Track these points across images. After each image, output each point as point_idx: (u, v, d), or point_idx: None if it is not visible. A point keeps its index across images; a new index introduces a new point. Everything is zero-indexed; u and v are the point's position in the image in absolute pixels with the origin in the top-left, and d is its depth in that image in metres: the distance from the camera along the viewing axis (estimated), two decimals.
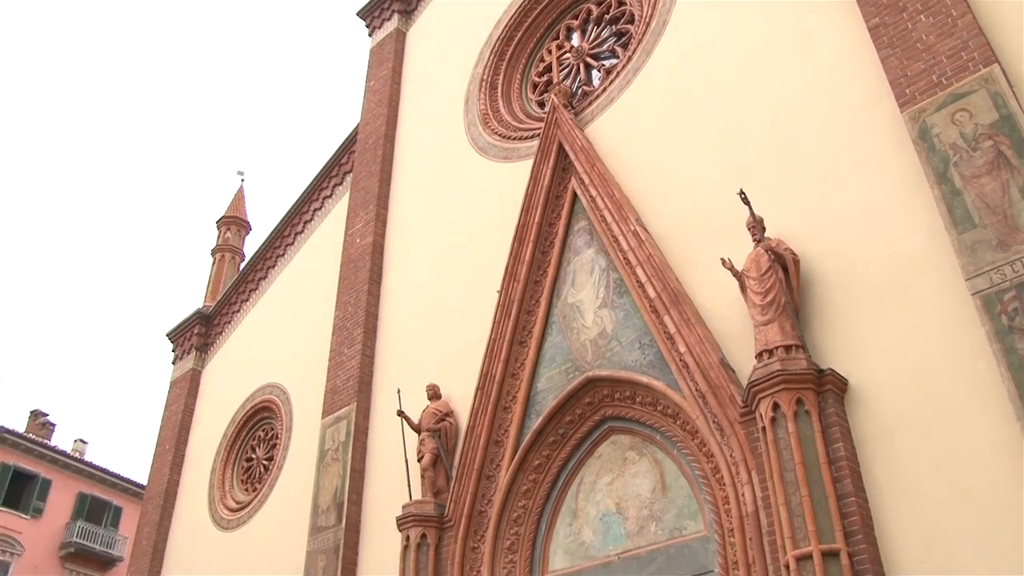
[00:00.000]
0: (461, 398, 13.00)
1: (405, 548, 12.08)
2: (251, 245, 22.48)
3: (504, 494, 11.71)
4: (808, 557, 7.99)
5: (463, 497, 12.03)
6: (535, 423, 11.80)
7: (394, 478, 13.23)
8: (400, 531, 12.28)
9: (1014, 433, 7.68)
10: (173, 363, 21.49)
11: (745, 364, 9.56)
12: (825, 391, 8.83)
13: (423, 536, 12.02)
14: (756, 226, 9.99)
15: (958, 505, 7.90)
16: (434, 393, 13.25)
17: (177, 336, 21.68)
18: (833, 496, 8.24)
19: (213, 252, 22.83)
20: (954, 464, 8.05)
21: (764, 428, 8.80)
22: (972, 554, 7.66)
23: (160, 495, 18.95)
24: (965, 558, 7.68)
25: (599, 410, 11.45)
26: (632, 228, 11.55)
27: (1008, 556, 7.44)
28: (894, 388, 8.70)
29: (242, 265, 21.98)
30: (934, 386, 8.45)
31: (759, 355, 9.20)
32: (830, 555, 7.95)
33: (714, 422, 9.76)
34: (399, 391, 13.27)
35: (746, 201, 9.84)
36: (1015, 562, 7.39)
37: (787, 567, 8.15)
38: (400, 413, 12.92)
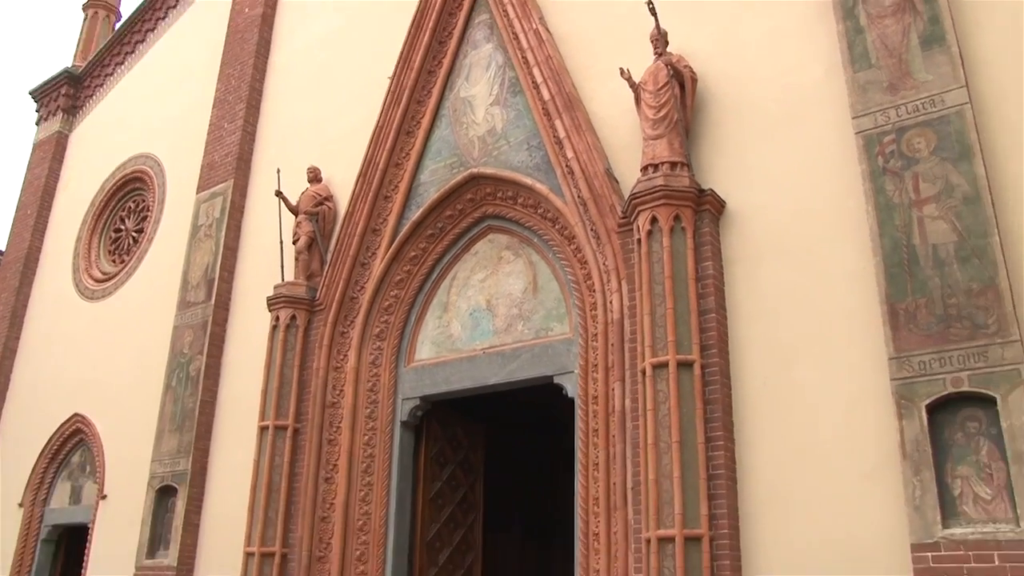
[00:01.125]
0: (342, 183, 12.73)
1: (274, 328, 12.10)
2: (129, 3, 20.83)
3: (377, 282, 11.75)
4: (664, 365, 8.37)
5: (336, 282, 12.00)
6: (415, 215, 11.71)
7: (267, 258, 13.07)
8: (270, 311, 12.24)
9: (868, 269, 8.04)
10: (37, 124, 20.16)
11: (630, 176, 9.59)
12: (703, 210, 8.99)
13: (293, 317, 12.04)
14: (660, 40, 9.78)
15: (808, 327, 8.34)
16: (314, 176, 12.92)
17: (42, 95, 20.19)
18: (696, 311, 8.57)
19: (85, 7, 21.02)
20: (810, 291, 8.44)
21: (640, 240, 8.95)
22: (815, 371, 8.18)
23: (20, 260, 18.24)
24: (808, 374, 8.22)
25: (480, 207, 11.42)
26: (534, 27, 11.15)
27: (848, 371, 7.98)
28: (768, 214, 8.93)
29: (117, 25, 20.38)
30: (806, 217, 8.71)
31: (644, 169, 9.23)
32: (685, 365, 8.34)
33: (592, 230, 9.87)
34: (278, 171, 12.89)
35: (653, 12, 9.56)
36: (853, 379, 7.93)
37: (643, 372, 8.52)
38: (278, 193, 12.60)
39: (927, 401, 7.39)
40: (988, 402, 7.21)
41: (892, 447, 7.49)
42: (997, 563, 6.81)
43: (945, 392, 7.36)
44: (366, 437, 11.42)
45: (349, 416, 11.44)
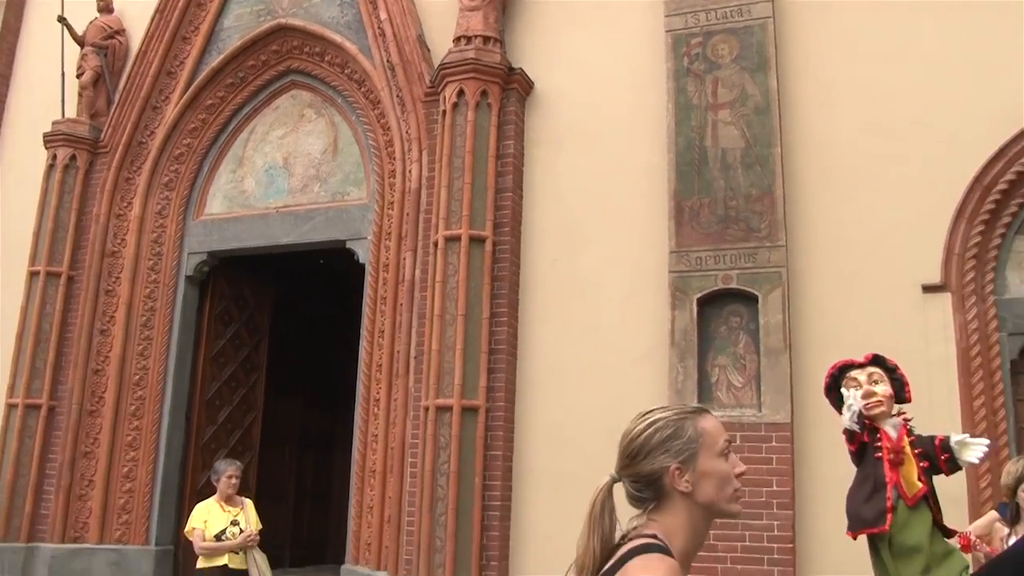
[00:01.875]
0: (136, 18, 11.70)
1: (50, 167, 11.17)
2: None
3: (169, 129, 11.03)
4: (456, 239, 8.42)
5: (123, 124, 11.17)
6: (215, 60, 10.99)
7: (46, 91, 11.91)
8: (47, 149, 11.26)
9: (661, 165, 8.32)
10: None
11: (442, 46, 9.36)
12: (510, 89, 8.95)
13: (72, 158, 11.13)
14: None
15: (600, 215, 8.61)
16: (105, 6, 11.79)
17: None
18: (493, 188, 8.62)
19: None
20: (605, 180, 8.67)
21: (444, 112, 8.84)
22: (602, 257, 8.50)
23: None
24: (594, 260, 8.52)
25: (285, 61, 10.86)
26: None
27: (632, 260, 8.34)
28: (574, 100, 9.02)
29: None
30: (609, 107, 8.86)
31: (457, 40, 9.04)
32: (477, 240, 8.43)
33: (398, 96, 9.64)
34: None
35: None
36: (636, 268, 8.30)
37: (436, 244, 8.55)
38: (61, 19, 11.41)
39: (699, 295, 7.86)
40: (751, 300, 7.77)
41: (663, 335, 7.95)
42: (738, 442, 7.46)
43: (716, 288, 7.86)
44: (147, 290, 10.91)
45: (130, 267, 10.86)
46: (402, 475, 8.68)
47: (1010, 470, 3.96)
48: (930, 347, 7.42)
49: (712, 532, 7.35)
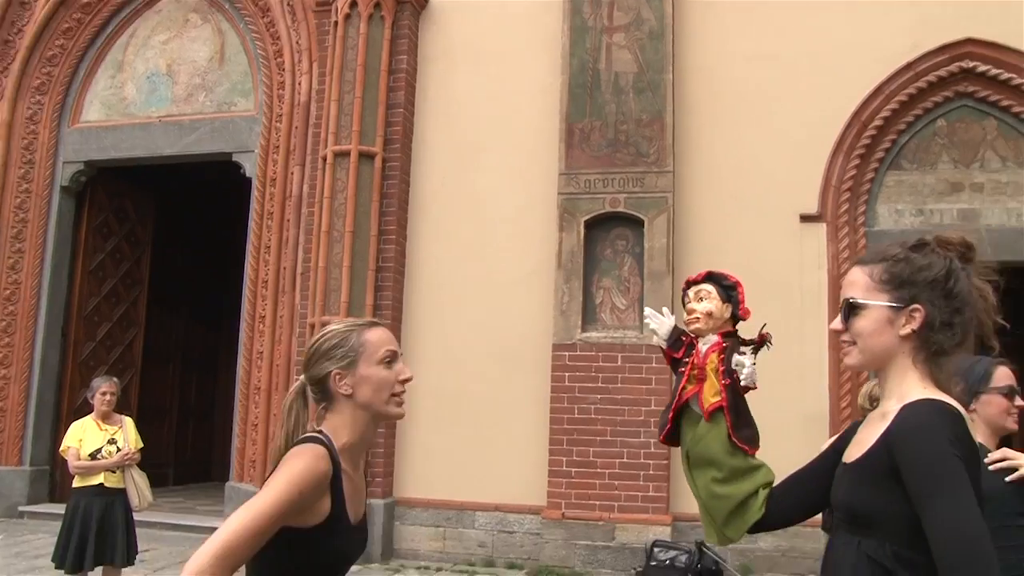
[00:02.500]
0: None
1: None
2: None
3: (40, 27, 10.37)
4: (346, 154, 8.26)
5: None
6: None
7: None
8: None
9: (555, 86, 8.30)
10: None
11: None
12: (404, 2, 8.73)
13: None
14: None
15: (492, 134, 8.57)
16: None
17: None
18: (384, 104, 8.46)
19: None
20: (499, 100, 8.61)
21: (336, 23, 8.57)
22: (492, 177, 8.48)
23: None
24: (485, 179, 8.50)
25: None
26: None
27: (522, 181, 8.36)
28: (469, 17, 8.88)
29: None
30: (506, 26, 8.77)
31: None
32: (366, 156, 8.30)
33: (288, 4, 9.31)
34: None
35: None
36: (525, 188, 8.33)
37: (324, 159, 8.37)
38: None
39: (586, 217, 7.96)
40: (637, 224, 7.91)
41: (551, 256, 8.03)
42: (620, 363, 7.68)
43: (603, 211, 7.96)
44: (18, 200, 10.38)
45: None
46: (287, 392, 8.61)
47: (865, 391, 4.18)
48: (804, 275, 7.73)
49: (591, 450, 7.64)
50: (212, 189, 11.86)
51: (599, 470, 7.64)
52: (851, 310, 1.76)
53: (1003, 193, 7.66)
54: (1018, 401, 2.65)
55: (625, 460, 7.61)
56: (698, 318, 2.05)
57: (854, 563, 1.66)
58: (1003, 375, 2.67)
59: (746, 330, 2.12)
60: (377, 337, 2.06)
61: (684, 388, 2.05)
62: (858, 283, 1.77)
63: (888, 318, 1.73)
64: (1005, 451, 2.53)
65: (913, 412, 1.62)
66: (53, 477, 10.22)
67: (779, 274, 7.69)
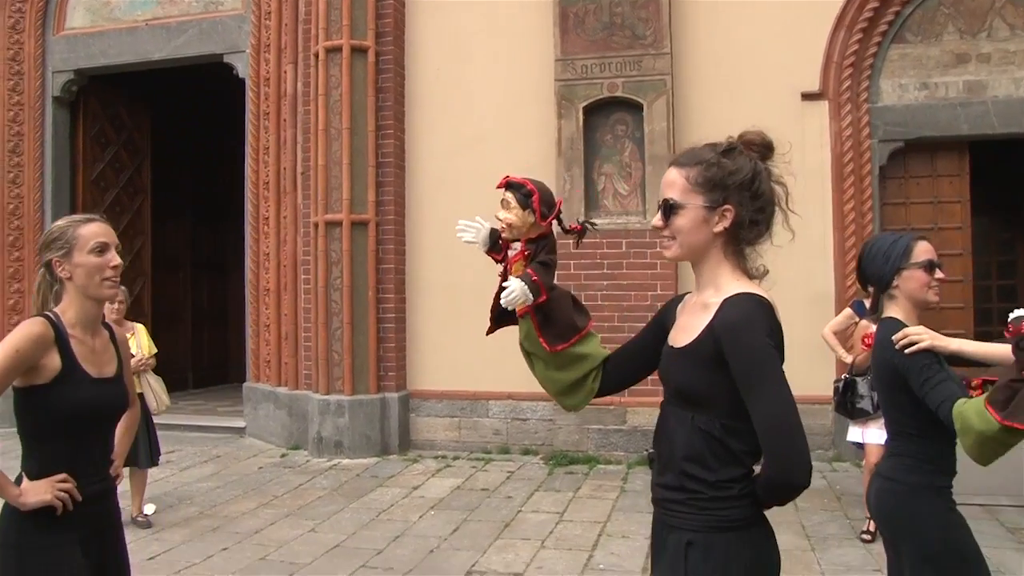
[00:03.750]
0: None
1: None
2: None
3: None
4: (338, 49, 8.13)
5: None
6: None
7: None
8: None
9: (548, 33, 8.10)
10: None
11: None
12: None
13: None
14: None
15: (485, 23, 8.39)
16: None
17: None
18: None
19: None
20: None
21: None
22: (487, 66, 8.36)
23: None
24: (480, 69, 8.37)
25: None
26: None
27: (518, 69, 8.23)
28: None
29: None
30: None
31: None
32: (359, 50, 8.16)
33: None
34: None
35: None
36: (522, 77, 8.20)
37: (316, 56, 8.24)
38: None
39: (585, 103, 7.86)
40: (637, 108, 7.81)
41: (550, 144, 7.97)
42: (624, 249, 7.71)
43: (601, 96, 7.85)
44: (11, 113, 10.28)
45: None
46: (296, 292, 8.72)
47: None
48: (807, 154, 7.65)
49: (600, 335, 7.71)
50: (206, 92, 11.69)
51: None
52: (670, 209, 1.92)
53: (1011, 63, 7.50)
54: (938, 274, 2.70)
55: None
56: (503, 228, 2.14)
57: (688, 434, 1.89)
58: (923, 250, 2.72)
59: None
60: (90, 231, 2.47)
61: (501, 289, 2.18)
62: (676, 184, 1.92)
63: (704, 217, 1.89)
64: (906, 330, 2.59)
65: (734, 306, 1.83)
66: None
67: (781, 154, 7.62)
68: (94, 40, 10.11)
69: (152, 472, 6.49)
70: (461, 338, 8.26)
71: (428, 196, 8.46)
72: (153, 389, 6.16)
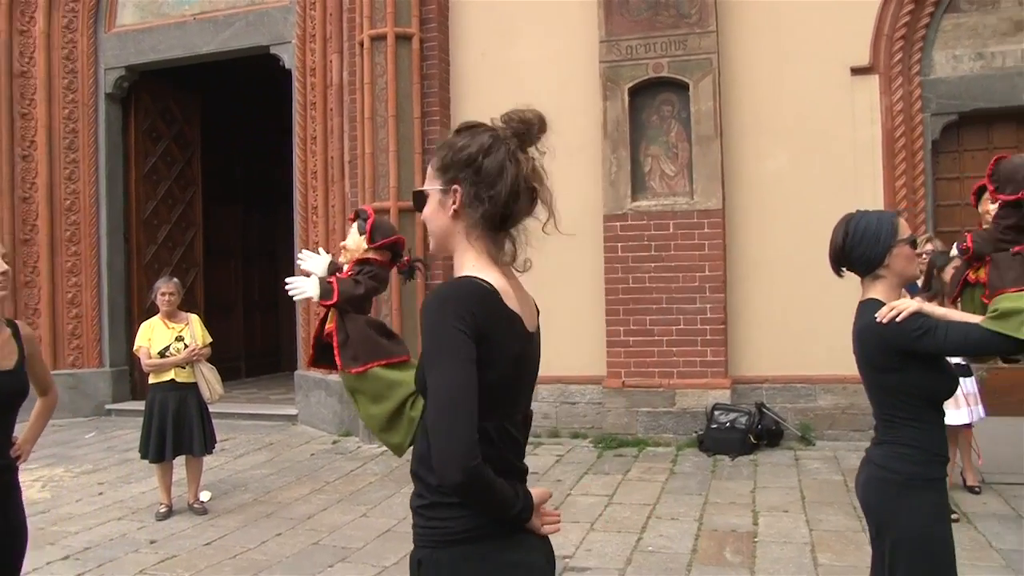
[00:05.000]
0: None
1: None
2: None
3: None
4: (382, 37, 8.14)
5: None
6: None
7: None
8: None
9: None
10: None
11: None
12: None
13: None
14: None
15: (529, 5, 8.34)
16: None
17: None
18: None
19: None
20: None
21: None
22: (532, 49, 8.32)
23: None
24: (525, 52, 8.34)
25: None
26: None
27: (563, 50, 8.19)
28: None
29: None
30: None
31: None
32: (403, 38, 8.17)
33: None
34: None
35: None
36: (567, 58, 8.17)
37: (361, 44, 8.27)
38: None
39: (630, 84, 7.79)
40: (682, 88, 7.73)
41: (596, 126, 7.92)
42: (671, 230, 7.65)
43: (647, 76, 7.78)
44: (66, 110, 10.49)
45: (44, 87, 10.37)
46: None
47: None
48: (857, 129, 7.52)
49: (648, 318, 7.69)
50: (254, 83, 11.83)
51: (656, 337, 7.72)
52: (419, 200, 1.82)
53: None
54: (919, 249, 2.67)
55: (682, 327, 7.67)
56: (342, 249, 2.21)
57: (421, 431, 1.77)
58: (905, 226, 2.68)
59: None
60: None
61: (324, 321, 2.19)
62: (426, 173, 1.84)
63: (440, 201, 1.79)
64: (890, 304, 2.54)
65: (433, 291, 1.71)
66: (132, 376, 10.68)
67: (830, 130, 7.51)
68: (144, 36, 10.28)
69: (207, 460, 6.62)
70: None
71: None
72: (207, 378, 6.26)
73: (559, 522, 1.81)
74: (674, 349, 7.69)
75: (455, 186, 1.77)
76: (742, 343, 7.71)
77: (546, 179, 1.82)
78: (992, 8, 7.45)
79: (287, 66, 9.47)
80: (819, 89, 7.55)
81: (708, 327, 7.61)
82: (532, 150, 1.83)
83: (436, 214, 1.80)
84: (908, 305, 2.48)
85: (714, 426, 7.38)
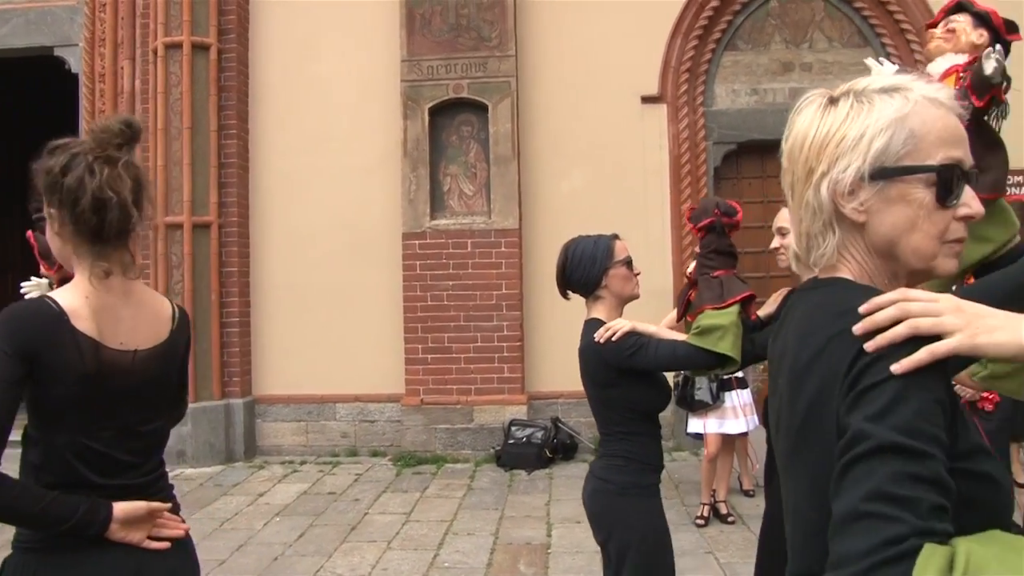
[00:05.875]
0: None
1: None
2: None
3: None
4: (178, 46, 7.88)
5: None
6: None
7: None
8: None
9: None
10: None
11: None
12: None
13: None
14: None
15: (332, 21, 8.29)
16: None
17: None
18: None
19: None
20: None
21: None
22: (335, 65, 8.26)
23: None
24: (327, 68, 8.26)
25: None
26: None
27: (365, 68, 8.18)
28: None
29: None
30: None
31: None
32: (200, 47, 7.93)
33: None
34: None
35: None
36: (368, 76, 8.16)
37: (155, 52, 7.96)
38: None
39: (431, 104, 7.88)
40: (482, 109, 7.89)
41: (396, 144, 7.96)
42: (469, 248, 7.77)
43: (447, 97, 7.89)
44: None
45: None
46: None
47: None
48: (647, 154, 7.92)
49: (446, 335, 7.76)
50: (39, 86, 11.08)
51: (455, 355, 7.80)
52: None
53: (829, 72, 7.96)
54: (636, 269, 2.87)
55: (479, 344, 7.79)
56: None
57: None
58: (621, 248, 2.86)
59: None
60: None
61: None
62: None
63: (50, 226, 1.80)
64: (607, 325, 2.73)
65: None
66: None
67: (622, 154, 7.87)
68: None
69: None
70: (308, 341, 8.14)
71: (274, 196, 8.30)
72: None
73: (181, 530, 1.86)
74: (472, 366, 7.79)
75: (51, 209, 1.77)
76: (538, 359, 7.90)
77: (128, 184, 1.76)
78: (764, 49, 8.07)
79: (74, 70, 8.95)
80: (612, 115, 7.90)
81: (505, 344, 7.77)
82: (130, 154, 1.80)
83: (51, 239, 1.82)
84: (623, 325, 2.64)
85: (511, 441, 7.52)
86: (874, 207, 1.16)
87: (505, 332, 7.75)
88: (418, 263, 7.77)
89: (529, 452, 7.44)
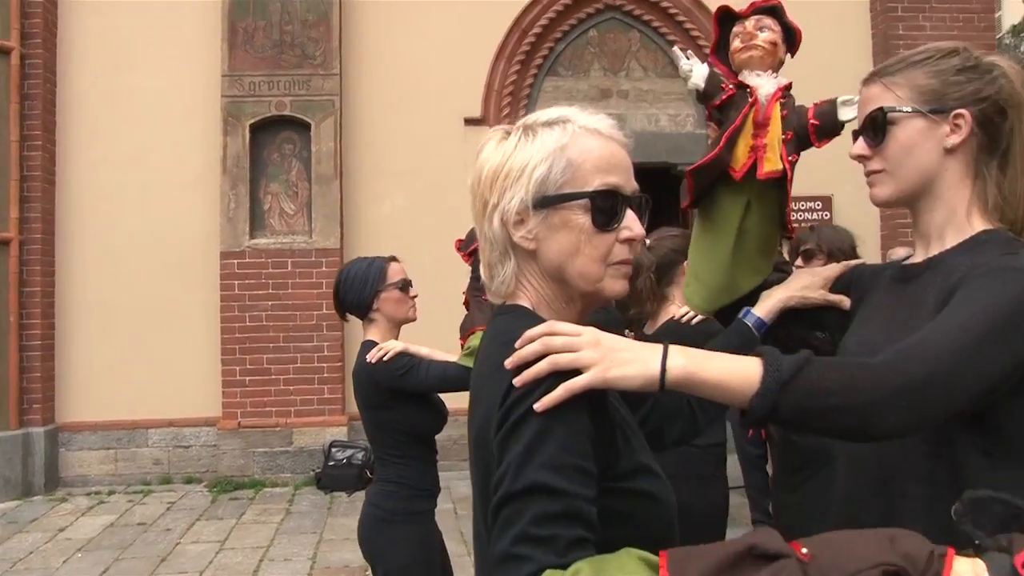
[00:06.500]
0: None
1: None
2: None
3: None
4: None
5: None
6: None
7: None
8: None
9: None
10: None
11: None
12: None
13: None
14: None
15: (150, 33, 8.01)
16: None
17: None
18: None
19: None
20: None
21: None
22: (152, 78, 7.98)
23: None
24: (144, 80, 7.97)
25: None
26: None
27: (184, 82, 7.94)
28: None
29: None
30: None
31: None
32: (0, 51, 7.49)
33: None
34: None
35: None
36: (188, 90, 7.92)
37: None
38: None
39: (252, 121, 7.73)
40: (304, 127, 7.80)
41: (215, 161, 7.74)
42: (290, 268, 7.64)
43: (269, 114, 7.77)
44: None
45: None
46: None
47: None
48: (469, 176, 7.98)
49: (265, 357, 7.58)
50: None
51: (274, 377, 7.63)
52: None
53: (644, 100, 8.31)
54: (412, 292, 2.92)
55: (299, 365, 7.65)
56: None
57: None
58: (397, 271, 2.90)
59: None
60: None
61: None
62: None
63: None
64: (380, 345, 2.78)
65: None
66: None
67: (444, 175, 7.90)
68: None
69: None
70: (118, 363, 7.76)
71: (83, 212, 7.90)
72: None
73: None
74: (291, 388, 7.63)
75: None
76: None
77: None
78: (584, 76, 8.35)
79: None
80: (435, 136, 7.96)
81: (325, 365, 7.66)
82: None
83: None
84: (394, 346, 2.65)
85: (331, 463, 7.30)
86: (541, 234, 1.22)
87: (325, 352, 7.64)
88: (236, 283, 7.57)
89: (349, 473, 7.23)
